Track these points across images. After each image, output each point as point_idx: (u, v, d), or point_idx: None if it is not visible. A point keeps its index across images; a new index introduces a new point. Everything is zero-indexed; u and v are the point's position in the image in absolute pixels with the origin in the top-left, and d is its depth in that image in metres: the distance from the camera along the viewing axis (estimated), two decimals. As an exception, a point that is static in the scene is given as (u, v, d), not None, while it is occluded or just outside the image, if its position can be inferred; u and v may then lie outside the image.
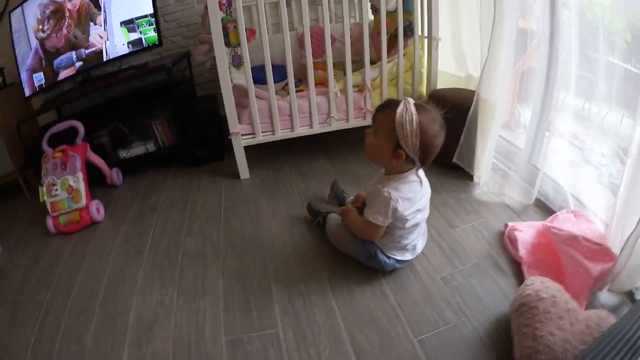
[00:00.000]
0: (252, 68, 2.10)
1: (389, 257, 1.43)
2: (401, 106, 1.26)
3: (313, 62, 2.25)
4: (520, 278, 1.42)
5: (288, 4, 2.74)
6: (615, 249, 1.32)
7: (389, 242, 1.42)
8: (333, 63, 2.20)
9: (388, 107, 1.30)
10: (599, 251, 1.37)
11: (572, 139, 1.76)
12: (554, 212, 1.71)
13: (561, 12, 1.60)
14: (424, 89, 2.39)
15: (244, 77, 2.08)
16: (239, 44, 2.00)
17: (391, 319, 1.31)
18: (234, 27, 1.95)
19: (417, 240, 1.48)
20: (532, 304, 1.14)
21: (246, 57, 2.04)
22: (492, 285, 1.42)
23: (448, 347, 1.21)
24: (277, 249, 1.71)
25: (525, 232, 1.63)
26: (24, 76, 2.52)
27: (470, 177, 2.05)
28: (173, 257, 1.73)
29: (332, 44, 2.51)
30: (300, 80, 2.59)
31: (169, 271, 1.65)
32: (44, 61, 2.51)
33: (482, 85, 1.87)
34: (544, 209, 1.79)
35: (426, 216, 1.49)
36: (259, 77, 2.16)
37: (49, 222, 2.04)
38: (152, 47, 2.58)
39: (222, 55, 1.99)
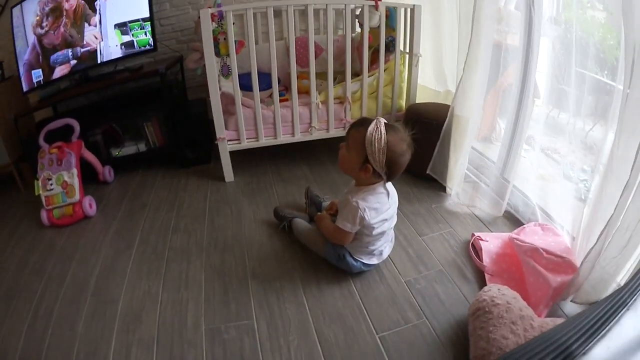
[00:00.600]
0: (240, 75, 2.24)
1: (356, 260, 1.57)
2: (372, 125, 1.40)
3: (300, 72, 2.39)
4: (482, 285, 1.54)
5: (278, 14, 2.88)
6: (580, 261, 1.37)
7: (357, 247, 1.57)
8: (320, 73, 2.34)
9: (361, 125, 1.44)
10: (561, 263, 1.49)
11: (552, 153, 1.85)
12: (522, 225, 1.82)
13: (537, 28, 1.67)
14: (403, 103, 2.53)
15: (232, 85, 2.21)
16: (228, 55, 2.14)
17: (356, 315, 1.45)
18: (224, 38, 2.08)
19: (384, 247, 1.62)
20: (487, 309, 1.25)
21: (234, 68, 2.17)
22: (454, 290, 1.55)
23: (408, 345, 1.33)
24: (256, 248, 1.85)
25: (491, 242, 1.75)
26: (21, 71, 2.60)
27: (443, 188, 2.19)
28: (160, 252, 1.87)
29: (319, 54, 2.66)
30: (287, 88, 2.70)
31: (156, 265, 1.78)
32: (40, 57, 2.60)
33: (456, 101, 2.00)
34: (513, 221, 1.92)
35: (393, 224, 1.63)
36: (247, 84, 2.29)
37: (43, 215, 2.15)
38: (147, 51, 2.69)
39: (212, 65, 2.12)
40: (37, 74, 2.61)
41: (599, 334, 0.87)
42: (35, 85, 2.63)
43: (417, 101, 2.53)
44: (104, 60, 2.65)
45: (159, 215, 2.18)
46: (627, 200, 1.19)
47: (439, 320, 1.42)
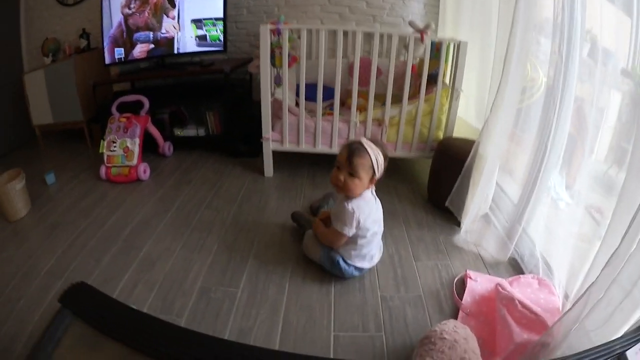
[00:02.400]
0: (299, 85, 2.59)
1: (349, 265, 1.82)
2: (368, 149, 1.70)
3: (359, 90, 2.64)
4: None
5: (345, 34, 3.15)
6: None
7: (351, 250, 1.82)
8: (375, 94, 2.61)
9: (359, 154, 1.72)
10: (534, 320, 1.50)
11: (595, 212, 1.69)
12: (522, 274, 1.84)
13: (570, 75, 1.63)
14: (441, 134, 2.69)
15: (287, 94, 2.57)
16: (282, 66, 2.51)
17: (323, 311, 1.69)
18: (280, 52, 2.45)
19: (375, 251, 1.88)
20: (432, 339, 1.33)
21: (285, 79, 2.54)
22: (424, 317, 1.67)
23: (356, 351, 1.50)
24: (267, 236, 2.19)
25: (480, 283, 1.82)
26: (106, 43, 3.13)
27: (457, 222, 2.29)
28: (189, 221, 2.31)
29: (378, 77, 2.91)
30: (343, 103, 2.95)
31: (182, 230, 2.23)
32: (125, 34, 3.15)
33: (481, 140, 2.11)
34: (516, 269, 1.94)
35: (381, 230, 1.88)
36: (306, 94, 2.62)
37: (102, 170, 2.69)
38: (217, 51, 3.17)
39: (265, 73, 2.51)
40: (120, 52, 3.18)
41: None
42: (117, 61, 3.19)
43: (455, 135, 2.67)
44: (180, 50, 3.16)
45: (199, 191, 2.63)
46: (612, 275, 1.19)
47: (396, 339, 1.56)
